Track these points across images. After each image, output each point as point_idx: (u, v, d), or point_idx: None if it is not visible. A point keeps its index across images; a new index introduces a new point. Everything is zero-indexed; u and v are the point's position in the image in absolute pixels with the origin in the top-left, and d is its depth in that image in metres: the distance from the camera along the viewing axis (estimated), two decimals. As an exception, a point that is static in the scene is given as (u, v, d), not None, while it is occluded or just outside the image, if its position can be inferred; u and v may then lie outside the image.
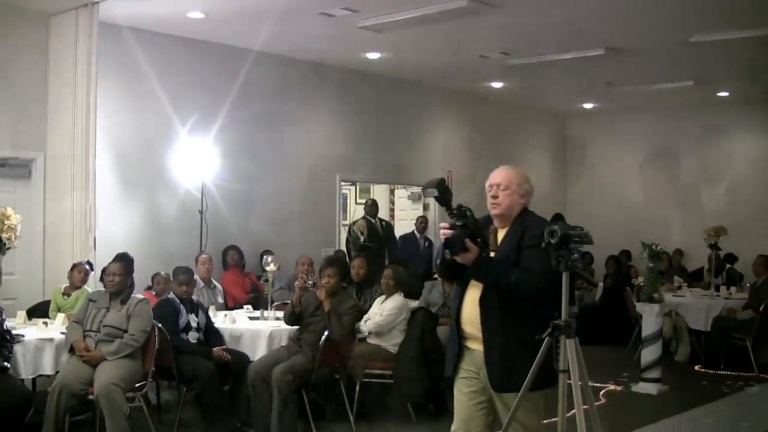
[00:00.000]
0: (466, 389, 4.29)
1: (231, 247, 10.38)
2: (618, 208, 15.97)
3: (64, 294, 8.01)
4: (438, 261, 4.29)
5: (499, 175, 4.37)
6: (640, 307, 9.38)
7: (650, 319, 9.19)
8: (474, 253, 4.04)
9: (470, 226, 4.07)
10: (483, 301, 4.13)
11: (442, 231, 4.10)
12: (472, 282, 4.20)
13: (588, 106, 16.10)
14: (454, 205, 4.15)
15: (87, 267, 8.11)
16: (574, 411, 3.76)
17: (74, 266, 8.09)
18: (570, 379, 3.96)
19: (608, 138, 16.63)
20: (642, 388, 9.13)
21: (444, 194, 4.09)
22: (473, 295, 4.19)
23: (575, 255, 4.07)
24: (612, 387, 9.28)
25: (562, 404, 3.88)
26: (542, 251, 3.93)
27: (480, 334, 4.14)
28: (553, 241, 4.03)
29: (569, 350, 3.98)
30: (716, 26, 9.57)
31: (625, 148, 16.39)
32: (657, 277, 9.44)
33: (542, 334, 3.93)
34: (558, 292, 4.03)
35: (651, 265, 9.34)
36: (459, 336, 4.29)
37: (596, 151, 16.81)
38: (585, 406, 3.84)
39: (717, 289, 11.71)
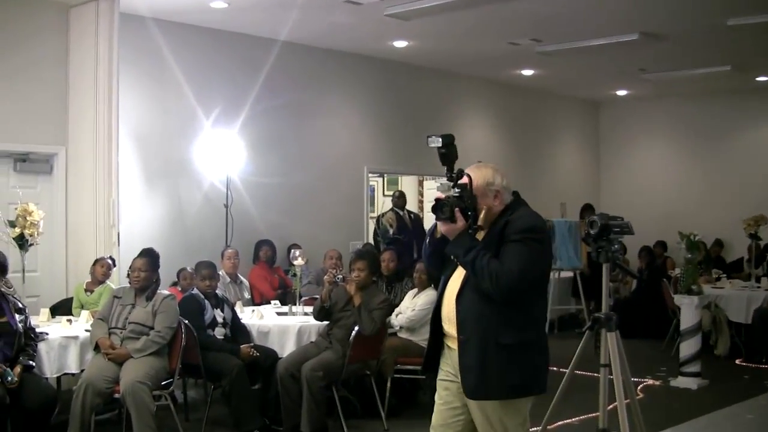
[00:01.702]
0: (444, 392, 4.03)
1: (264, 242, 10.33)
2: (653, 197, 15.86)
3: (86, 290, 8.00)
4: (427, 241, 4.06)
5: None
6: (678, 300, 9.27)
7: (689, 311, 9.09)
8: (461, 225, 3.78)
9: (466, 198, 3.81)
10: (460, 298, 3.87)
11: (435, 198, 3.87)
12: (453, 276, 3.97)
13: (621, 93, 15.98)
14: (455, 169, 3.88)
15: (109, 261, 8.10)
16: (613, 405, 3.72)
17: (96, 261, 8.10)
18: (611, 374, 3.93)
19: (642, 126, 16.50)
20: (681, 382, 9.05)
21: (449, 150, 3.81)
22: (452, 289, 3.94)
23: (616, 246, 4.01)
24: (650, 382, 9.22)
25: (603, 399, 3.85)
26: (525, 248, 3.72)
27: (456, 334, 3.89)
28: (592, 231, 3.98)
29: (610, 343, 3.96)
30: (755, 9, 9.42)
31: (660, 135, 16.28)
32: (695, 268, 9.33)
33: (524, 338, 3.76)
34: (543, 295, 3.91)
35: (689, 255, 9.24)
36: (438, 333, 4.05)
37: (630, 139, 16.70)
38: (627, 401, 3.80)
39: (758, 280, 11.57)
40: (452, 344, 3.94)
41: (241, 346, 7.22)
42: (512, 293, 3.70)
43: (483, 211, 3.86)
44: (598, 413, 3.90)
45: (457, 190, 3.81)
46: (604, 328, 3.96)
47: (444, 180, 3.84)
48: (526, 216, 3.86)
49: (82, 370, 6.67)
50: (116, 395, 6.39)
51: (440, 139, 3.78)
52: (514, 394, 3.79)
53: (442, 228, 3.85)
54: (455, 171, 3.83)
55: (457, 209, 3.77)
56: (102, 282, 7.99)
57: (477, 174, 3.89)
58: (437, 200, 3.83)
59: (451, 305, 3.89)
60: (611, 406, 3.73)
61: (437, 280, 4.17)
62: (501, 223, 3.84)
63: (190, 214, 10.13)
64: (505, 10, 9.45)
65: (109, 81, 8.50)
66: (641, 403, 4.95)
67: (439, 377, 4.07)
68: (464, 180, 3.83)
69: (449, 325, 3.93)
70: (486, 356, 3.75)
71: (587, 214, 13.68)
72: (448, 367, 3.99)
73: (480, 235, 3.89)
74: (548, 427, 4.41)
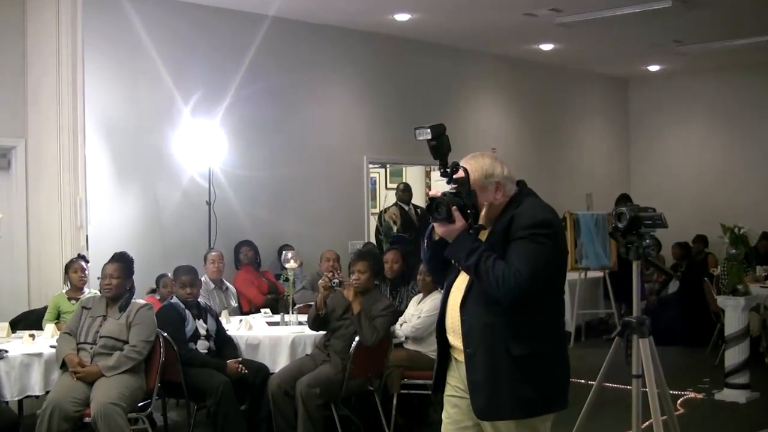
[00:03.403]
0: (452, 409, 4.01)
1: (244, 243, 10.37)
2: (690, 185, 15.83)
3: (70, 299, 7.97)
4: (425, 244, 4.03)
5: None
6: (722, 301, 9.21)
7: (734, 314, 9.03)
8: (460, 225, 3.74)
9: (464, 195, 3.77)
10: (464, 307, 3.85)
11: (429, 196, 3.83)
12: (457, 282, 3.95)
13: (653, 68, 15.96)
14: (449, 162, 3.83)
15: (82, 263, 8.09)
16: (648, 422, 3.71)
17: (68, 267, 8.09)
18: (644, 386, 3.90)
19: (677, 104, 16.46)
20: (727, 395, 8.96)
21: (440, 141, 3.77)
22: (455, 297, 3.92)
23: (647, 240, 3.99)
24: (691, 395, 9.11)
25: (636, 415, 3.83)
26: (535, 246, 3.70)
27: (462, 347, 3.88)
28: (621, 225, 3.96)
29: (642, 351, 3.93)
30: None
31: (698, 116, 16.24)
32: (740, 265, 9.28)
33: (539, 347, 3.74)
34: (559, 297, 3.89)
35: (733, 251, 9.19)
36: (445, 346, 4.03)
37: (664, 120, 16.65)
38: (663, 417, 3.78)
39: (813, 278, 11.51)
40: (459, 356, 3.93)
41: (228, 362, 7.20)
42: (522, 297, 3.67)
43: (484, 208, 3.84)
44: (628, 430, 3.88)
45: (453, 186, 3.78)
46: (635, 333, 3.94)
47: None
48: (534, 208, 3.83)
49: (47, 392, 6.63)
50: (86, 419, 6.34)
51: (429, 131, 3.75)
52: (531, 412, 3.77)
53: (439, 230, 3.83)
54: (449, 165, 3.79)
55: (454, 207, 3.74)
56: (80, 288, 7.99)
57: (474, 166, 3.86)
58: (431, 199, 3.82)
59: (455, 315, 3.89)
60: (646, 424, 3.71)
61: (439, 283, 4.17)
62: (505, 219, 3.82)
63: (168, 213, 10.13)
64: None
65: (73, 63, 8.50)
66: (681, 419, 4.93)
67: (446, 393, 4.06)
68: (460, 174, 3.80)
69: (454, 336, 3.93)
70: (496, 370, 3.74)
71: (624, 205, 13.61)
72: (456, 381, 3.98)
73: (483, 235, 3.86)
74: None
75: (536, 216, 3.76)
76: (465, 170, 3.80)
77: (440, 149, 3.78)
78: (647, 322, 4.01)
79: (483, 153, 3.97)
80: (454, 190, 3.78)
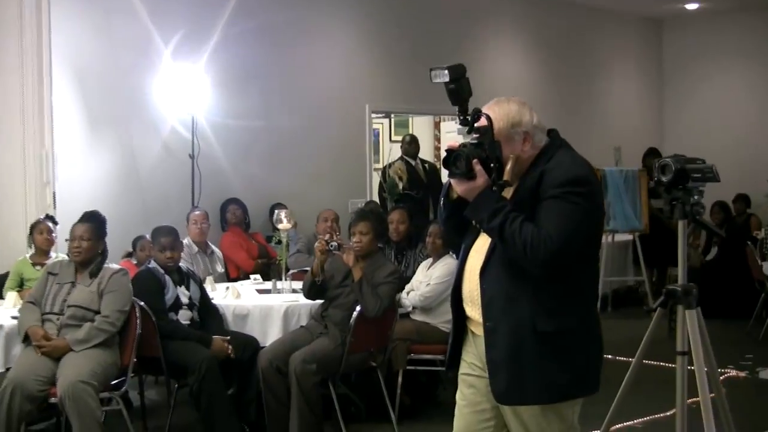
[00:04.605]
0: (468, 390, 3.96)
1: (231, 201, 10.36)
2: (730, 138, 15.72)
3: (35, 264, 7.96)
4: (441, 202, 3.95)
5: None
6: (767, 268, 9.20)
7: (781, 283, 9.06)
8: (481, 182, 3.64)
9: (486, 147, 3.65)
10: (485, 274, 3.76)
11: (446, 148, 3.72)
12: (476, 245, 3.87)
13: (691, 6, 15.95)
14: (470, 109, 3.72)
15: (50, 224, 8.08)
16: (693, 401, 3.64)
17: (33, 228, 8.07)
18: (691, 365, 3.84)
19: (718, 48, 16.39)
20: None
21: (459, 84, 3.66)
22: (475, 262, 3.83)
23: (695, 197, 3.89)
24: (732, 373, 9.14)
25: (682, 397, 3.75)
26: (568, 206, 3.59)
27: (481, 320, 3.81)
28: (664, 178, 3.86)
29: (690, 325, 3.86)
30: None
31: (740, 60, 16.17)
32: (787, 228, 9.30)
33: (569, 323, 3.66)
34: (594, 266, 3.82)
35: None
36: (461, 317, 3.97)
37: (702, 66, 16.58)
38: (711, 395, 3.71)
39: None
40: (477, 330, 3.87)
41: (214, 337, 7.15)
42: (553, 265, 3.59)
43: (510, 161, 3.74)
44: (662, 414, 3.81)
45: (474, 135, 3.67)
46: (680, 304, 3.84)
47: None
48: (568, 163, 3.74)
49: (8, 369, 6.58)
50: (52, 400, 6.28)
51: (447, 72, 3.65)
52: (559, 396, 3.72)
53: (457, 187, 3.73)
54: (470, 111, 3.68)
55: (475, 161, 3.63)
56: (47, 252, 8.00)
57: (498, 113, 3.76)
58: (449, 151, 3.70)
59: (474, 283, 3.81)
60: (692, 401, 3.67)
61: (458, 246, 4.06)
62: (535, 174, 3.73)
63: (147, 168, 10.07)
64: None
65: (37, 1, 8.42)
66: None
67: (461, 371, 4.00)
68: (482, 122, 3.69)
69: (472, 307, 3.86)
70: (520, 349, 3.68)
71: (651, 161, 13.56)
72: (473, 358, 3.92)
73: (508, 193, 3.77)
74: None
75: (570, 171, 3.66)
76: (488, 118, 3.68)
77: (460, 93, 3.67)
78: (694, 291, 3.93)
79: (509, 98, 3.85)
80: (475, 141, 3.66)
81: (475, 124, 3.67)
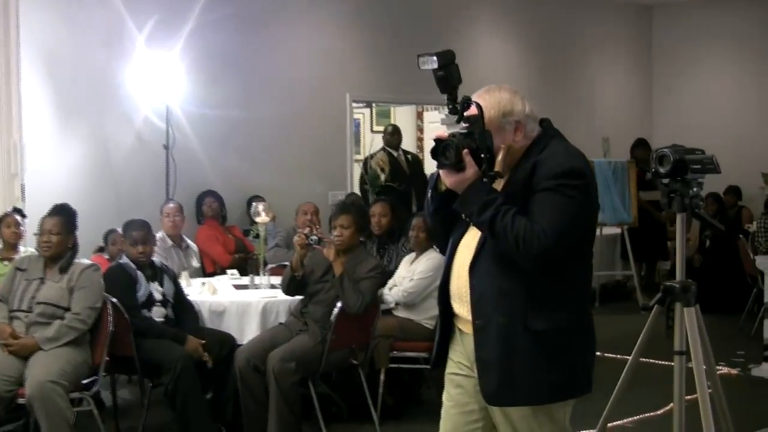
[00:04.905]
0: (455, 390, 3.93)
1: (207, 193, 10.37)
2: (722, 129, 15.64)
3: (2, 260, 7.89)
4: (429, 195, 3.90)
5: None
6: (760, 262, 9.33)
7: (774, 277, 9.09)
8: (471, 173, 3.59)
9: (477, 136, 3.60)
10: (475, 269, 3.73)
11: (435, 137, 3.67)
12: (465, 239, 3.83)
13: (681, -7, 15.93)
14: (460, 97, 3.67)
15: (17, 218, 8.03)
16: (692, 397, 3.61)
17: (0, 221, 8.02)
18: (690, 362, 3.83)
19: (710, 37, 16.40)
20: (765, 371, 9.04)
21: (448, 71, 3.61)
22: (463, 257, 3.80)
23: (694, 189, 3.86)
24: (724, 370, 9.09)
25: (679, 397, 3.74)
26: (562, 199, 3.56)
27: (470, 317, 3.78)
28: (662, 169, 3.82)
29: (688, 323, 3.83)
30: None
31: (733, 49, 16.18)
32: (780, 221, 9.31)
33: (562, 320, 3.63)
34: (587, 261, 3.79)
35: (773, 204, 9.19)
36: (449, 314, 3.94)
37: (693, 54, 16.58)
38: (709, 390, 3.70)
39: None
40: (465, 328, 3.84)
41: (189, 336, 7.11)
42: (546, 260, 3.56)
43: (501, 152, 3.70)
44: (654, 413, 3.81)
45: (463, 125, 3.61)
46: (679, 301, 3.81)
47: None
48: (562, 154, 3.71)
49: (-27, 369, 6.59)
50: (20, 401, 6.27)
51: (435, 58, 3.59)
52: (551, 396, 3.70)
53: (446, 178, 3.67)
54: (459, 99, 3.63)
55: (465, 151, 3.58)
56: (14, 246, 7.94)
57: (489, 101, 3.72)
58: (437, 141, 3.64)
59: (463, 278, 3.78)
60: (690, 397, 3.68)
61: (444, 240, 4.02)
62: (527, 165, 3.70)
63: (119, 160, 10.04)
64: None
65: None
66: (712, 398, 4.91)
67: (448, 371, 3.97)
68: (472, 110, 3.63)
69: (460, 304, 3.83)
70: (511, 347, 3.65)
71: (640, 152, 13.58)
72: (460, 357, 3.90)
73: (499, 185, 3.74)
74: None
75: (564, 163, 3.62)
76: (478, 106, 3.63)
77: (449, 81, 3.61)
78: (693, 287, 3.90)
79: (500, 86, 3.81)
80: (464, 131, 3.60)
81: (465, 113, 3.61)
